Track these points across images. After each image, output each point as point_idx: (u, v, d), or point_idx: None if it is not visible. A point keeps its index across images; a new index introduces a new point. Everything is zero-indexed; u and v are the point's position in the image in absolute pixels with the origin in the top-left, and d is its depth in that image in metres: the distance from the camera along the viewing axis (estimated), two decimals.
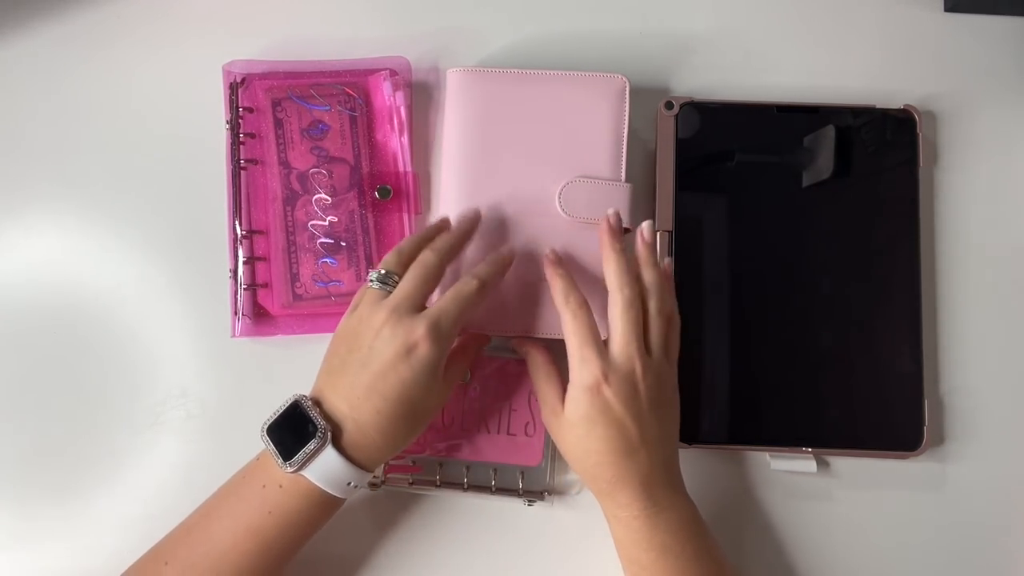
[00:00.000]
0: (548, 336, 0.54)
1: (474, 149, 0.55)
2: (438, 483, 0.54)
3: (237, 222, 0.56)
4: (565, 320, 0.49)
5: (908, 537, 0.55)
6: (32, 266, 0.58)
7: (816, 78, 0.59)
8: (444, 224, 0.52)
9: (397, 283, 0.48)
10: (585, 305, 0.49)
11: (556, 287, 0.50)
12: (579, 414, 0.47)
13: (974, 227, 0.58)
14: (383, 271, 0.49)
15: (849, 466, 0.55)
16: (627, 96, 0.55)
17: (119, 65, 0.59)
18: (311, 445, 0.45)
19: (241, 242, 0.55)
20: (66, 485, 0.55)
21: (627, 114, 0.55)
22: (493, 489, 0.54)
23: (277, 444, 0.46)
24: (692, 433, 0.54)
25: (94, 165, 0.58)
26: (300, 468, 0.46)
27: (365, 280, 0.50)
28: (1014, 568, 0.55)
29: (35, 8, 0.59)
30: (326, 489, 0.46)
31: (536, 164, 0.55)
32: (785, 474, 0.55)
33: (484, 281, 0.49)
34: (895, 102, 0.57)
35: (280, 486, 0.46)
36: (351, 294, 0.55)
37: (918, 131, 0.57)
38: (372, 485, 0.53)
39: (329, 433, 0.46)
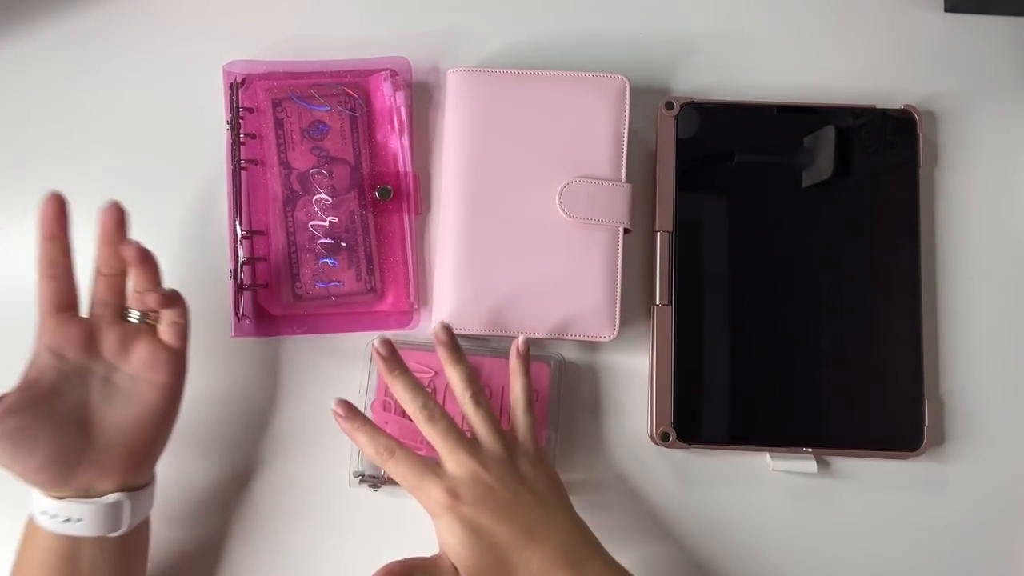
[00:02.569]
0: (545, 336, 0.54)
1: (474, 149, 0.55)
2: None
3: (237, 222, 0.56)
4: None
5: (908, 537, 0.55)
6: (32, 266, 0.57)
7: (816, 78, 0.59)
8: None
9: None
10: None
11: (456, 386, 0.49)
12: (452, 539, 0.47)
13: (974, 227, 0.58)
14: None
15: (849, 466, 0.55)
16: (627, 96, 0.55)
17: (119, 65, 0.59)
18: None
19: (241, 242, 0.55)
20: None
21: (627, 114, 0.55)
22: None
23: None
24: (692, 433, 0.54)
25: (94, 165, 0.58)
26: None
27: None
28: (1014, 568, 0.55)
29: (35, 8, 0.59)
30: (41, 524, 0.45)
31: (536, 164, 0.55)
32: (785, 474, 0.55)
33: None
34: (895, 102, 0.57)
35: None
36: (351, 294, 0.56)
37: (918, 131, 0.57)
38: (372, 486, 0.53)
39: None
